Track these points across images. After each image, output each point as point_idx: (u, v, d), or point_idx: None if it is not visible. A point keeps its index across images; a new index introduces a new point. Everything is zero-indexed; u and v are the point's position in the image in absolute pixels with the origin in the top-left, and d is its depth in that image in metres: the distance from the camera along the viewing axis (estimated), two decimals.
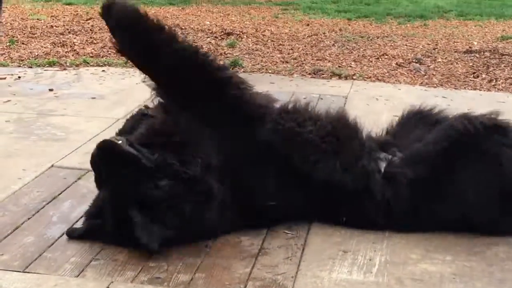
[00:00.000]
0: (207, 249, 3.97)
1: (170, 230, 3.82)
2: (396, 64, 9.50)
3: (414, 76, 8.90)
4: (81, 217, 4.30)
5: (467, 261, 3.90)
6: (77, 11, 13.13)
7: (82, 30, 11.14)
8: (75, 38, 10.55)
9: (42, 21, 11.94)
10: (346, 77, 8.66)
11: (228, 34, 11.32)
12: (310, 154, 4.18)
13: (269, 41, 10.97)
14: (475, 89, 8.35)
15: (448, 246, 4.08)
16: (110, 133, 5.94)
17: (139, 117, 4.54)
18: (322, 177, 4.14)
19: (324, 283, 3.64)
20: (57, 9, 13.54)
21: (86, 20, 12.07)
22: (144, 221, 3.76)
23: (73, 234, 4.04)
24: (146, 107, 4.72)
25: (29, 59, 9.14)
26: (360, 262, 3.88)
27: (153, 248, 3.76)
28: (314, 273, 3.74)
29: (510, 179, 4.13)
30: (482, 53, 10.21)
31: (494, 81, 8.71)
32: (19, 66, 8.78)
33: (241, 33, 11.40)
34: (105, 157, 3.89)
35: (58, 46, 9.94)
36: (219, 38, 11.06)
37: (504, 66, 9.43)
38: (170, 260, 3.84)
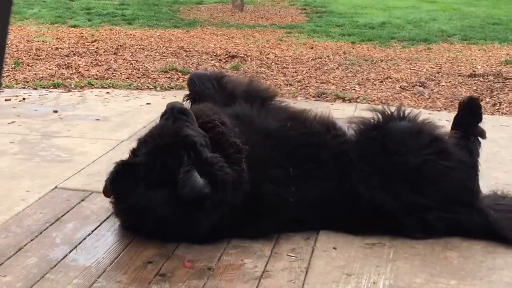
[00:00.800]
0: (211, 272, 3.95)
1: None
2: (400, 87, 9.52)
3: (418, 100, 8.90)
4: (85, 238, 4.30)
5: (472, 285, 3.87)
6: (82, 33, 13.19)
7: (87, 52, 11.19)
8: (80, 60, 10.59)
9: (48, 43, 11.99)
10: (350, 100, 8.67)
11: (233, 56, 11.36)
12: None
13: (273, 64, 11.01)
14: None
15: (452, 270, 4.06)
16: (114, 155, 5.97)
17: None
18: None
19: None
20: (63, 31, 13.61)
21: (91, 43, 12.12)
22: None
23: None
24: None
25: (34, 80, 9.17)
26: (364, 286, 3.86)
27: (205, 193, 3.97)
28: None
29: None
30: (486, 77, 10.23)
31: (498, 105, 8.72)
32: (24, 88, 8.81)
33: (245, 56, 11.43)
34: None
35: (63, 68, 9.98)
36: (224, 60, 11.10)
37: (508, 90, 9.45)
38: (173, 282, 3.82)
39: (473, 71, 10.69)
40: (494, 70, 10.67)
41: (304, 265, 4.09)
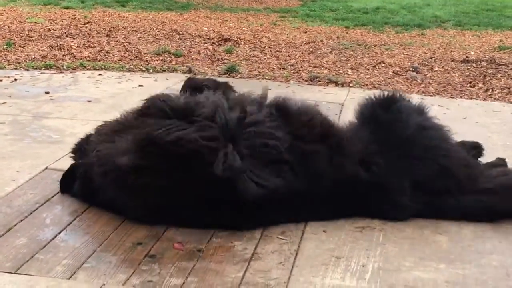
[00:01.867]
0: (200, 254, 3.95)
1: None
2: (393, 72, 9.52)
3: (411, 85, 8.90)
4: (74, 219, 4.30)
5: (461, 269, 3.89)
6: (75, 15, 13.13)
7: (80, 34, 11.15)
8: (72, 41, 10.54)
9: (40, 24, 11.93)
10: (342, 85, 8.67)
11: (226, 40, 11.33)
12: None
13: (266, 47, 10.98)
14: (471, 98, 8.37)
15: (441, 254, 4.07)
16: None
17: None
18: None
19: None
20: (55, 12, 13.55)
21: (84, 24, 12.07)
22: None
23: None
24: None
25: (26, 61, 9.13)
26: (353, 269, 3.87)
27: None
28: (307, 278, 3.73)
29: None
30: (479, 62, 10.23)
31: (491, 90, 8.73)
32: (16, 69, 8.78)
33: (238, 39, 11.41)
34: None
35: (55, 50, 9.94)
36: (217, 43, 11.07)
37: (501, 76, 9.45)
38: (162, 263, 3.82)
39: (466, 56, 10.69)
40: (487, 56, 10.67)
41: (294, 247, 4.10)
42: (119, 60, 9.54)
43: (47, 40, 10.60)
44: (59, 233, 4.13)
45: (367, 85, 8.74)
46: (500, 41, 12.45)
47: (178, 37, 11.38)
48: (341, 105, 7.48)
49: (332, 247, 4.09)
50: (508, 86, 8.92)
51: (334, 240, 4.19)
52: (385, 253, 4.05)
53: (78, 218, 4.34)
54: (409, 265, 3.92)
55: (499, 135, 6.72)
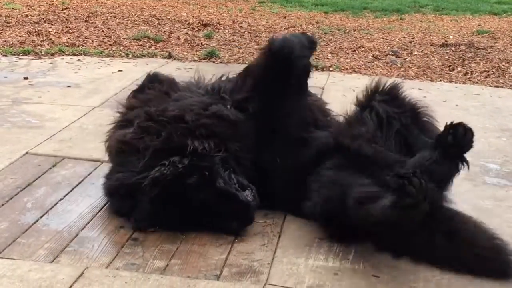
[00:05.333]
0: (183, 236, 3.95)
1: None
2: (373, 56, 9.53)
3: (391, 69, 8.93)
4: (56, 203, 4.28)
5: None
6: (53, 1, 13.00)
7: (58, 20, 11.04)
8: (50, 27, 10.45)
9: (17, 10, 11.81)
10: (323, 69, 8.67)
11: (205, 25, 11.28)
12: None
13: (246, 32, 10.96)
14: (450, 81, 8.41)
15: None
16: (86, 121, 5.94)
17: None
18: None
19: (300, 269, 3.64)
20: None
21: (62, 10, 11.96)
22: None
23: None
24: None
25: (4, 47, 9.04)
26: (336, 249, 3.88)
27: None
28: (290, 259, 3.74)
29: None
30: (457, 46, 10.27)
31: (470, 74, 8.78)
32: None
33: (218, 25, 11.36)
34: None
35: (33, 35, 9.85)
36: (196, 29, 11.02)
37: (479, 59, 9.50)
38: (146, 246, 3.82)
39: (445, 41, 10.73)
40: (466, 40, 10.71)
41: (277, 229, 4.10)
42: (98, 46, 9.47)
43: (25, 26, 10.49)
44: (41, 217, 4.12)
45: (347, 69, 8.75)
46: (479, 25, 12.50)
47: (157, 22, 11.31)
48: (322, 89, 7.48)
49: (315, 229, 4.10)
50: (486, 69, 8.97)
51: (317, 221, 4.19)
52: None
53: (60, 202, 4.32)
54: None
55: (478, 117, 6.76)
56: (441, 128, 4.08)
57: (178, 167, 3.92)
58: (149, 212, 3.93)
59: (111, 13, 11.83)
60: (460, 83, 8.35)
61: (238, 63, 8.80)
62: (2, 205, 4.26)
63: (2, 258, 3.62)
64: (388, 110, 4.30)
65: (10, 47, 9.04)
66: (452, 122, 3.97)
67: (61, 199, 4.37)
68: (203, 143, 4.08)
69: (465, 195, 4.62)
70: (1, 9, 11.84)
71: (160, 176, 3.90)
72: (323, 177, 4.08)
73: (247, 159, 4.26)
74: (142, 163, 4.04)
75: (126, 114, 4.54)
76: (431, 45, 10.43)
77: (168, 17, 11.74)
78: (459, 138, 3.92)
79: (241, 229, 4.00)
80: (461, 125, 3.94)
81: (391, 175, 3.50)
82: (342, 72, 8.61)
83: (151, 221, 3.96)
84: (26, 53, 8.78)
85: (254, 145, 4.31)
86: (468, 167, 4.01)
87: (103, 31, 10.38)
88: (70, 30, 10.30)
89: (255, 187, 4.11)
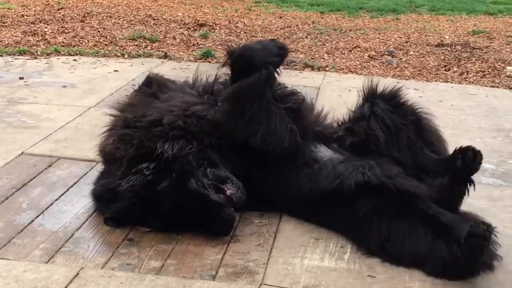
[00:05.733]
0: (179, 237, 3.94)
1: None
2: (369, 56, 9.53)
3: (386, 69, 8.93)
4: (52, 204, 4.27)
5: None
6: (48, 1, 12.97)
7: (54, 20, 11.02)
8: (46, 27, 10.43)
9: (13, 10, 11.79)
10: (318, 69, 8.67)
11: (201, 25, 11.27)
12: None
13: (242, 32, 10.95)
14: (446, 81, 8.42)
15: None
16: (81, 121, 5.93)
17: None
18: None
19: (296, 269, 3.64)
20: None
21: (58, 10, 11.93)
22: None
23: None
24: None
25: None
26: (331, 250, 3.89)
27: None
28: (286, 259, 3.74)
29: None
30: (453, 46, 10.28)
31: (465, 74, 8.79)
32: None
33: (214, 25, 11.35)
34: None
35: (29, 35, 9.83)
36: (192, 29, 11.01)
37: (475, 59, 9.51)
38: (141, 247, 3.82)
39: (441, 41, 10.73)
40: (461, 40, 10.72)
41: (273, 229, 4.11)
42: (94, 46, 9.46)
43: (21, 26, 10.47)
44: (36, 217, 4.12)
45: (343, 69, 8.75)
46: (474, 25, 12.51)
47: (153, 22, 11.30)
48: (318, 89, 7.49)
49: (311, 229, 4.11)
50: (482, 69, 8.98)
51: None
52: None
53: (55, 203, 4.32)
54: None
55: (474, 117, 6.77)
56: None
57: (146, 174, 3.93)
58: (127, 217, 3.97)
59: (106, 13, 11.81)
60: (456, 83, 8.36)
61: None
62: None
63: None
64: (394, 119, 4.27)
65: (5, 47, 9.02)
66: (461, 146, 3.99)
67: (56, 200, 4.36)
68: (173, 144, 4.04)
69: None
70: None
71: (129, 187, 3.92)
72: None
73: (233, 149, 4.20)
74: (120, 172, 4.05)
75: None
76: (427, 45, 10.43)
77: (164, 17, 11.73)
78: (468, 162, 3.93)
79: (226, 229, 3.95)
80: (470, 148, 3.94)
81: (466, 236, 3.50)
82: (338, 72, 8.61)
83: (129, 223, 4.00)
84: (21, 53, 8.76)
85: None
86: (474, 188, 4.05)
87: (98, 31, 10.36)
88: (65, 30, 10.29)
89: (242, 174, 4.08)
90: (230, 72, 4.29)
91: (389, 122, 4.26)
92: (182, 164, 3.97)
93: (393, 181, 3.96)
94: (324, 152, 4.30)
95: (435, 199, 3.94)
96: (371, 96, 4.44)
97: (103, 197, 4.12)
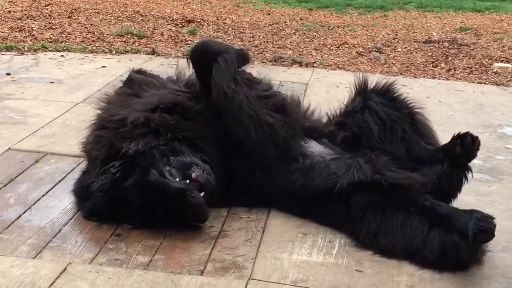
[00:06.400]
0: (167, 232, 3.93)
1: None
2: (357, 53, 9.55)
3: (374, 65, 8.95)
4: (39, 199, 4.25)
5: None
6: None
7: (41, 16, 10.98)
8: (33, 23, 10.39)
9: (0, 6, 11.73)
10: (306, 65, 8.68)
11: (189, 21, 11.25)
12: None
13: (230, 29, 10.95)
14: (434, 78, 8.44)
15: None
16: (69, 117, 5.90)
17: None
18: None
19: (284, 264, 3.64)
20: None
21: (45, 6, 11.88)
22: None
23: None
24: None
25: None
26: (320, 244, 3.89)
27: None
28: (274, 254, 3.74)
29: None
30: (441, 43, 10.31)
31: (453, 70, 8.82)
32: None
33: (202, 21, 11.34)
34: None
35: (16, 31, 9.78)
36: (180, 25, 10.99)
37: (463, 56, 9.54)
38: (129, 242, 3.80)
39: (429, 37, 10.77)
40: (449, 37, 10.76)
41: (261, 224, 4.10)
42: (81, 42, 9.43)
43: (7, 22, 10.42)
44: (24, 213, 4.09)
45: (331, 65, 8.76)
46: (462, 22, 12.56)
47: (141, 18, 11.27)
48: (306, 85, 7.49)
49: (299, 224, 4.11)
50: (470, 66, 9.02)
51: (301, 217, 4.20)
52: None
53: (42, 198, 4.30)
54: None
55: (461, 113, 6.80)
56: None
57: (114, 172, 3.94)
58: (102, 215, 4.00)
59: (94, 9, 11.78)
60: (443, 79, 8.38)
61: None
62: None
63: None
64: (389, 113, 4.29)
65: None
66: (459, 133, 4.07)
67: (43, 195, 4.34)
68: (139, 142, 4.04)
69: None
70: None
71: (100, 186, 3.94)
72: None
73: (204, 140, 4.20)
74: (95, 171, 4.08)
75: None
76: (414, 41, 10.46)
77: (152, 13, 11.71)
78: (467, 148, 4.02)
79: (196, 213, 3.89)
80: (468, 134, 4.03)
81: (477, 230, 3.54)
82: (326, 68, 8.62)
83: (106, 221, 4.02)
84: (8, 49, 8.72)
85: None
86: (472, 175, 4.12)
87: (86, 27, 10.33)
88: (53, 26, 10.25)
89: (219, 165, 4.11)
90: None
91: (383, 116, 4.30)
92: (145, 158, 3.97)
93: (383, 177, 3.98)
94: (314, 147, 4.30)
95: (432, 187, 4.01)
96: (363, 91, 4.46)
97: (79, 195, 4.16)
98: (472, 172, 4.12)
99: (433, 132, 4.47)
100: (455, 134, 4.07)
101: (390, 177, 3.98)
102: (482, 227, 3.52)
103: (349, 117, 4.43)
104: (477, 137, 4.03)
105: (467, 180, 4.12)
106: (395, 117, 4.31)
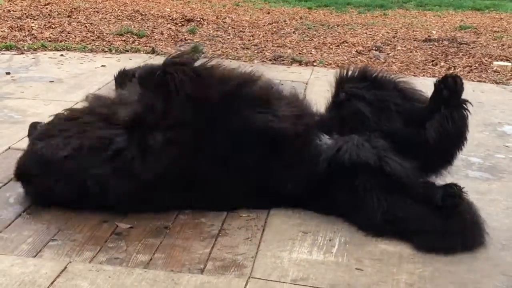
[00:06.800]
0: (167, 230, 3.94)
1: None
2: (356, 51, 9.55)
3: (374, 64, 8.95)
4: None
5: None
6: None
7: (40, 15, 10.98)
8: (33, 22, 10.39)
9: None
10: (306, 64, 8.68)
11: (189, 20, 11.26)
12: None
13: (229, 28, 10.94)
14: (434, 76, 8.42)
15: None
16: None
17: None
18: None
19: (284, 263, 3.64)
20: None
21: (44, 5, 11.89)
22: None
23: None
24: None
25: None
26: (320, 243, 3.89)
27: None
28: (274, 253, 3.74)
29: None
30: (440, 41, 10.31)
31: (453, 69, 8.82)
32: None
33: (201, 20, 11.35)
34: None
35: (15, 30, 9.79)
36: (180, 24, 11.00)
37: (462, 54, 9.55)
38: (129, 241, 3.81)
39: (428, 36, 10.77)
40: (448, 35, 10.76)
41: (261, 223, 4.10)
42: (81, 41, 9.43)
43: (7, 21, 10.43)
44: (23, 211, 4.09)
45: (330, 64, 8.76)
46: (461, 20, 12.56)
47: (140, 17, 11.28)
48: (305, 84, 7.49)
49: (299, 222, 4.11)
50: (469, 64, 9.02)
51: (301, 215, 4.20)
52: (352, 227, 4.07)
53: None
54: (375, 238, 3.94)
55: None
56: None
57: None
58: None
59: (94, 8, 11.78)
60: None
61: (222, 58, 8.77)
62: None
63: None
64: (375, 93, 4.33)
65: None
66: (440, 78, 4.28)
67: None
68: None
69: None
70: None
71: None
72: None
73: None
74: None
75: None
76: (414, 40, 10.46)
77: (152, 13, 11.71)
78: (452, 88, 4.17)
79: None
80: (448, 76, 4.24)
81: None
82: (326, 67, 8.62)
83: None
84: (8, 48, 8.72)
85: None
86: (470, 112, 4.28)
87: (86, 26, 10.33)
88: (52, 25, 10.25)
89: None
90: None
91: (370, 97, 4.34)
92: None
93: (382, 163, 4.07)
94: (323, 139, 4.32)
95: (439, 136, 4.20)
96: (342, 83, 4.50)
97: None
98: (468, 107, 4.28)
99: (422, 93, 4.52)
100: (436, 81, 4.25)
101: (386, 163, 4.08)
102: (450, 192, 3.87)
103: (338, 110, 4.46)
104: (456, 75, 4.27)
105: (469, 112, 4.27)
106: (383, 95, 4.34)
